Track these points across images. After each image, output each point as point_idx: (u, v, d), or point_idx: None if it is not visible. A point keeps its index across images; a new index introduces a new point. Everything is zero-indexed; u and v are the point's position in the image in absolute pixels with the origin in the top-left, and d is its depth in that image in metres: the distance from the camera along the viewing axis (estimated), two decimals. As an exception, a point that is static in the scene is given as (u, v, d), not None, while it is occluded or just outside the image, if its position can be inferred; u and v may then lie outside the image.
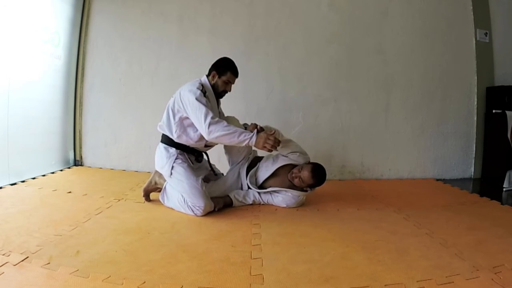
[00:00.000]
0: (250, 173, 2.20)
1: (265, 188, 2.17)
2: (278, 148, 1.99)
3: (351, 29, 3.15)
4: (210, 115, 1.89)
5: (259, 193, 2.17)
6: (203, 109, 1.89)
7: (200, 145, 2.12)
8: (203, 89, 1.99)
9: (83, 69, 3.24)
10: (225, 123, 1.91)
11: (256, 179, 2.21)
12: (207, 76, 2.11)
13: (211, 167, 2.30)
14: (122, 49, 3.21)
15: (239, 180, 2.23)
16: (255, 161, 2.29)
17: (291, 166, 2.15)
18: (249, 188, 2.19)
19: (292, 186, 2.14)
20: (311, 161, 2.21)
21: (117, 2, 3.21)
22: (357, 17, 3.15)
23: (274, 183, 2.16)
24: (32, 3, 2.62)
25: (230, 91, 2.16)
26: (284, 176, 2.14)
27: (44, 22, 2.77)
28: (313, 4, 3.14)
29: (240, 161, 2.27)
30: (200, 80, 2.08)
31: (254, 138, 1.88)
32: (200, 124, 1.91)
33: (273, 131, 1.97)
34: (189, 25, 3.17)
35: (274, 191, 2.16)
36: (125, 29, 3.20)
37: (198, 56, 3.13)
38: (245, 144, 1.89)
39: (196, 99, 1.91)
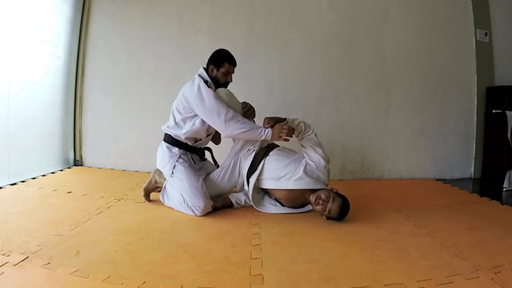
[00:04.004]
0: (253, 181, 2.03)
1: (268, 192, 2.11)
2: (298, 138, 2.06)
3: (351, 29, 3.15)
4: (224, 111, 1.91)
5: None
6: (214, 105, 1.92)
7: (208, 141, 2.18)
8: (208, 83, 2.00)
9: (83, 69, 3.23)
10: (239, 118, 1.95)
11: (261, 181, 2.06)
12: (206, 70, 2.09)
13: (215, 161, 2.29)
14: (122, 49, 3.21)
15: (234, 171, 2.12)
16: (257, 158, 2.08)
17: (311, 191, 1.95)
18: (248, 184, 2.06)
19: (304, 205, 2.03)
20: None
21: (117, 2, 3.21)
22: (357, 17, 3.15)
23: (283, 198, 2.02)
24: (32, 3, 2.61)
25: (231, 81, 2.15)
26: (299, 196, 1.98)
27: (44, 22, 2.77)
28: (313, 4, 3.14)
29: (241, 151, 2.13)
30: (198, 75, 2.05)
31: (269, 133, 1.95)
32: (214, 122, 1.95)
33: (286, 121, 2.03)
34: (189, 25, 3.17)
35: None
36: (125, 29, 3.20)
37: (198, 56, 3.09)
38: (262, 139, 2.00)
39: (204, 95, 1.93)
